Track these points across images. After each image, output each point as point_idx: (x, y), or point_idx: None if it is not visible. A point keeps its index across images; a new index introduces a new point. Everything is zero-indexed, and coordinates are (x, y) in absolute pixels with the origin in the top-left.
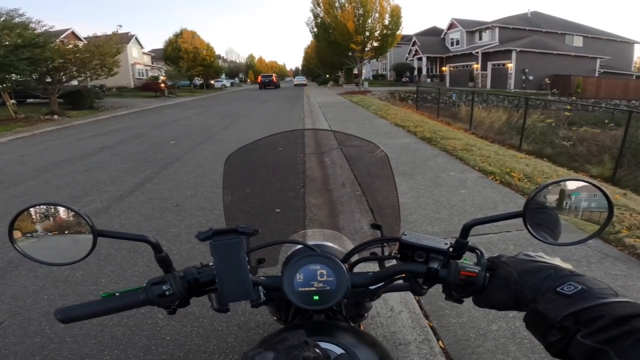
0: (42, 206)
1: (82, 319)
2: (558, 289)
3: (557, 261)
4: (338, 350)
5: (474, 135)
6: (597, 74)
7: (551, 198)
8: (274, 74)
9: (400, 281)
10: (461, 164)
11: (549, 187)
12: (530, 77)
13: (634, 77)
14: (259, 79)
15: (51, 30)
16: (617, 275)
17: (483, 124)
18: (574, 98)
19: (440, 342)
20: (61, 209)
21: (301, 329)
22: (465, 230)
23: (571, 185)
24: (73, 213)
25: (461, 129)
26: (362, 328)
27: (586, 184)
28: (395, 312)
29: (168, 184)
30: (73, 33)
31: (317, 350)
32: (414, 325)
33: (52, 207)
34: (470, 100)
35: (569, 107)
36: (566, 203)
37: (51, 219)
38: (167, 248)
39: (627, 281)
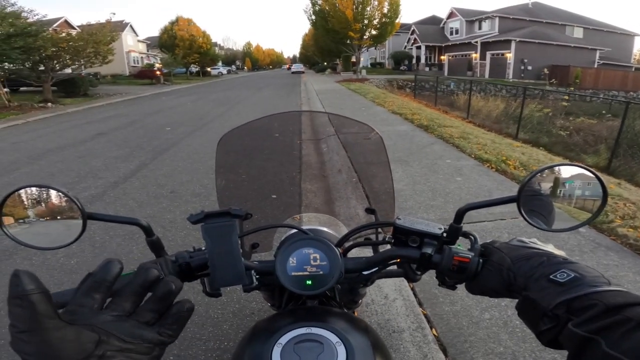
0: (32, 188)
1: None
2: (551, 277)
3: (550, 248)
4: (330, 336)
5: (471, 123)
6: (596, 65)
7: (545, 185)
8: (293, 64)
9: (395, 267)
10: (457, 152)
11: (544, 173)
12: (529, 67)
13: (633, 69)
14: (288, 66)
15: (44, 19)
16: (608, 265)
17: (480, 113)
18: (572, 88)
19: (433, 330)
20: (51, 192)
21: (291, 316)
22: (459, 215)
23: (565, 171)
24: (63, 195)
25: (458, 117)
26: (356, 315)
27: (580, 169)
28: (389, 299)
29: (163, 170)
30: (66, 22)
31: None
32: (408, 312)
33: (42, 189)
34: (469, 89)
35: (566, 97)
36: (560, 190)
37: (41, 202)
38: (162, 235)
39: (619, 271)
